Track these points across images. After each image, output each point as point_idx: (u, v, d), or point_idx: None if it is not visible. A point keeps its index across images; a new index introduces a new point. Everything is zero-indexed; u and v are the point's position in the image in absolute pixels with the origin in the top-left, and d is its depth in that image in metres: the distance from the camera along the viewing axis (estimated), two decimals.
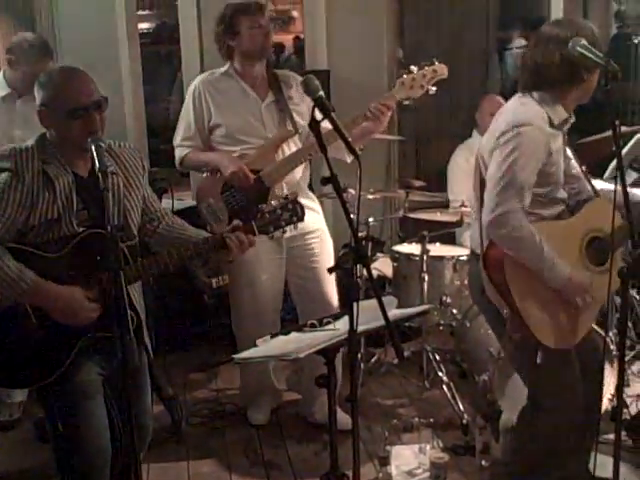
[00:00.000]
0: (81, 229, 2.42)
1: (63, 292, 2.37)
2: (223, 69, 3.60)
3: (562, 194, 2.78)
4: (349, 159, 3.24)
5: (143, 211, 2.63)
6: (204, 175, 3.66)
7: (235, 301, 3.80)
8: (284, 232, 2.71)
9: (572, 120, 2.76)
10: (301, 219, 2.65)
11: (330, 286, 3.68)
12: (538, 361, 2.67)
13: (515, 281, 2.62)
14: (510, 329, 2.69)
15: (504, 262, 2.61)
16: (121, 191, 2.50)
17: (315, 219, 3.65)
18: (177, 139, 3.66)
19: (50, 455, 2.57)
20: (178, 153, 3.65)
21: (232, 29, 3.50)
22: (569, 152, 2.85)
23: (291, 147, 3.55)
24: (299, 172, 3.59)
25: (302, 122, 3.51)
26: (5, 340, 2.39)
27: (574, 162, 2.88)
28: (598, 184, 2.95)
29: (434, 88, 3.43)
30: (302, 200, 3.51)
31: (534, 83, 2.70)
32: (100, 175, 2.15)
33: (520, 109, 2.68)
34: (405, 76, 3.41)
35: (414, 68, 3.41)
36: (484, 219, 2.62)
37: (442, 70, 3.42)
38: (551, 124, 2.65)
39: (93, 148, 2.26)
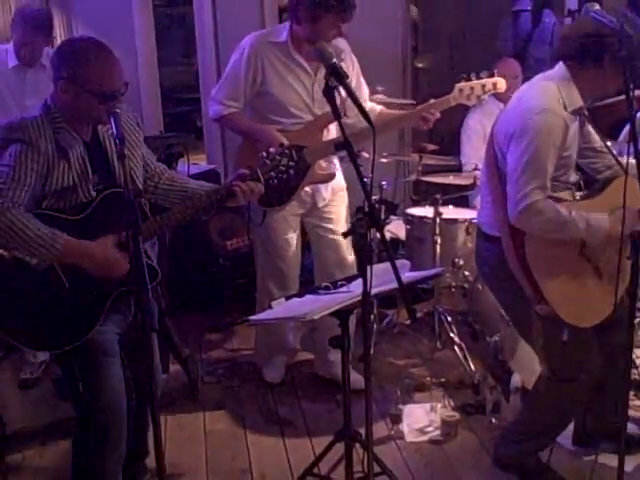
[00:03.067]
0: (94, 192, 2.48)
1: (97, 246, 2.43)
2: (280, 38, 3.45)
3: (573, 177, 2.79)
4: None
5: (142, 168, 2.69)
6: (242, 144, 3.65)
7: (261, 263, 3.86)
8: (281, 179, 2.78)
9: (586, 111, 2.74)
10: (297, 163, 2.76)
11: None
12: (564, 338, 2.69)
13: (536, 261, 2.64)
14: (537, 305, 2.69)
15: (525, 243, 2.64)
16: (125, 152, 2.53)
17: (339, 178, 3.74)
18: (219, 95, 3.52)
19: (69, 412, 2.65)
20: (219, 110, 3.51)
21: (314, 14, 3.27)
22: (590, 128, 2.84)
23: (333, 127, 3.55)
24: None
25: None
26: (39, 305, 2.44)
27: (596, 137, 2.87)
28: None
29: (487, 97, 3.49)
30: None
31: (558, 52, 2.71)
32: (118, 142, 2.18)
33: (538, 94, 2.68)
34: (464, 83, 3.42)
35: (473, 76, 3.41)
36: (510, 212, 2.63)
37: (501, 85, 3.43)
38: (565, 110, 2.65)
39: (111, 117, 2.28)
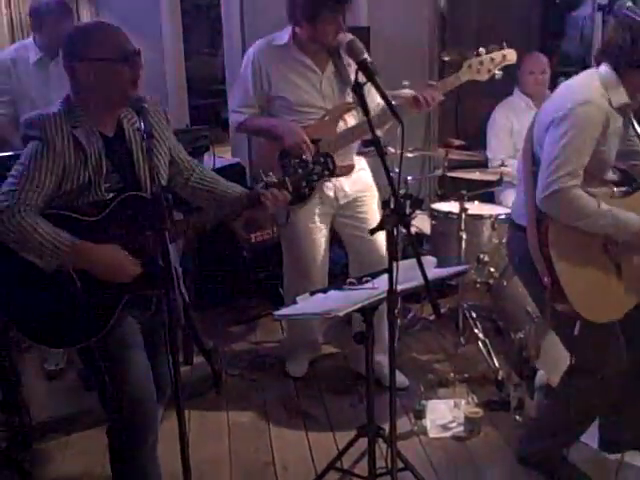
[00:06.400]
0: (110, 194, 2.43)
1: (103, 250, 2.39)
2: (283, 41, 3.46)
3: (611, 176, 2.76)
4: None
5: (171, 163, 2.65)
6: (260, 141, 3.64)
7: (288, 262, 3.84)
8: (312, 188, 2.69)
9: (635, 106, 2.71)
10: (332, 173, 2.66)
11: (379, 236, 3.68)
12: (575, 333, 2.68)
13: (557, 251, 2.63)
14: (552, 299, 2.68)
15: (548, 234, 2.63)
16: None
17: (366, 176, 3.70)
18: (234, 104, 3.60)
19: (93, 402, 2.65)
20: (235, 118, 3.58)
21: (312, 14, 3.26)
22: (632, 130, 2.79)
23: (350, 118, 3.53)
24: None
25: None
26: (52, 304, 2.43)
27: (637, 140, 2.82)
28: None
29: (500, 72, 3.39)
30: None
31: (601, 57, 2.68)
32: (146, 137, 2.16)
33: (583, 86, 2.66)
34: (473, 59, 3.37)
35: (482, 51, 3.36)
36: (538, 196, 2.62)
37: (511, 56, 3.38)
38: (610, 106, 2.62)
39: (138, 110, 2.23)
